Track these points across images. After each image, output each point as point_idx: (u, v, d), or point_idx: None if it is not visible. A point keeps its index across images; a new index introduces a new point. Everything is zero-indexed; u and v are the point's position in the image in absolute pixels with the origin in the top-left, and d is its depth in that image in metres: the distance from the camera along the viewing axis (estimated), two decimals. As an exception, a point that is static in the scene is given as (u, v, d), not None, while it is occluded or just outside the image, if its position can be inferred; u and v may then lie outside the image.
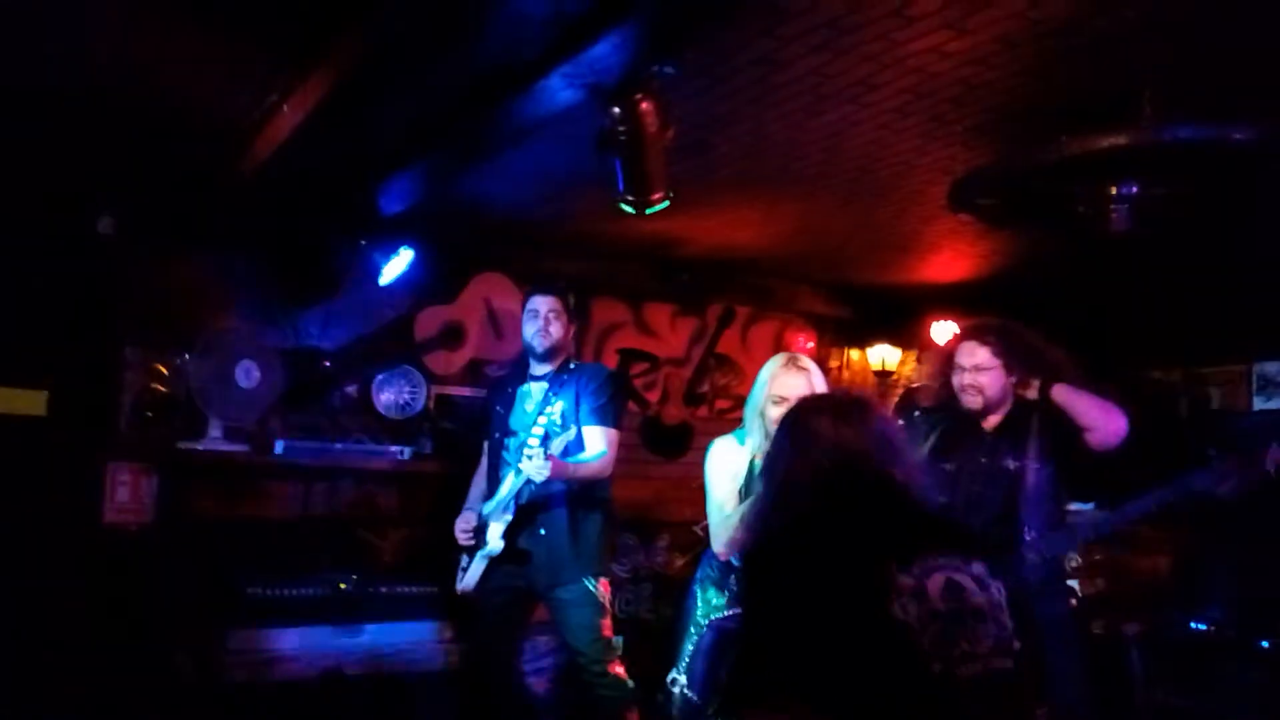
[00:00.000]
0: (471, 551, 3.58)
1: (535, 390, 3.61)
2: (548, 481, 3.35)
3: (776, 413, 2.90)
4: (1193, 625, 4.35)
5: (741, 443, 3.12)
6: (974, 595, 1.65)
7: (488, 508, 3.55)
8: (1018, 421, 3.07)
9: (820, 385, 3.02)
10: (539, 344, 3.58)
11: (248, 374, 4.20)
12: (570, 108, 2.62)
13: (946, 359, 3.19)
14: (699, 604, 3.11)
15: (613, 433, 3.51)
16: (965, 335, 3.19)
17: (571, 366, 3.64)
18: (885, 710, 1.57)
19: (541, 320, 3.56)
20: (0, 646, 3.73)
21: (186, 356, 4.16)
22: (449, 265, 4.81)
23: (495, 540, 3.48)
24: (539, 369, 3.63)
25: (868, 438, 1.86)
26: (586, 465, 3.45)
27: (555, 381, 3.57)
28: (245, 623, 3.76)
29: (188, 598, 4.06)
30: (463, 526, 3.60)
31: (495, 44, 2.42)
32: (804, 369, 3.02)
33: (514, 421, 3.62)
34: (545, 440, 3.40)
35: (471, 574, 3.56)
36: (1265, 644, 4.07)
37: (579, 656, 3.50)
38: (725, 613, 3.04)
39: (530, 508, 3.50)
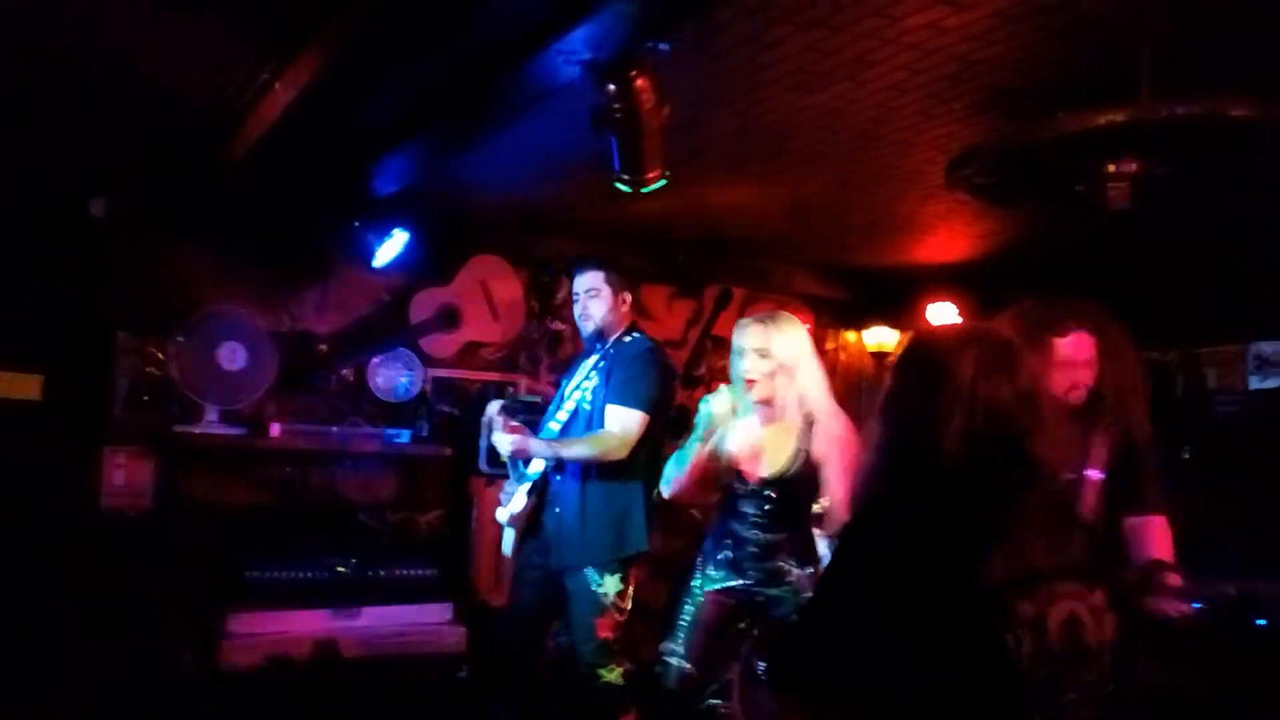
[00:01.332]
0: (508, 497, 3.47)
1: (587, 364, 3.44)
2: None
3: (738, 365, 2.94)
4: (1194, 605, 4.35)
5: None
6: (1089, 633, 1.40)
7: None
8: (1080, 422, 2.55)
9: (788, 343, 2.91)
10: (583, 328, 3.45)
11: (232, 356, 4.18)
12: (565, 85, 2.60)
13: (1040, 353, 2.43)
14: (697, 577, 3.09)
15: (630, 413, 3.23)
16: (1070, 325, 2.54)
17: (626, 340, 3.41)
18: None
19: (581, 303, 3.42)
20: (-3, 632, 3.73)
21: (180, 340, 4.15)
22: (444, 247, 4.79)
23: (515, 509, 3.39)
24: (595, 342, 3.45)
25: (1017, 396, 1.41)
26: (575, 446, 3.26)
27: (603, 355, 3.39)
28: (244, 606, 3.77)
29: (186, 581, 4.07)
30: (503, 501, 3.48)
31: (489, 20, 2.40)
32: (766, 322, 2.95)
33: (562, 391, 3.51)
34: (575, 414, 3.32)
35: (505, 542, 3.45)
36: (1261, 623, 4.08)
37: (575, 652, 3.39)
38: (721, 585, 3.02)
39: (552, 483, 3.38)
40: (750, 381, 2.90)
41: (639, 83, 2.45)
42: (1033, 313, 2.55)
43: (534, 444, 3.30)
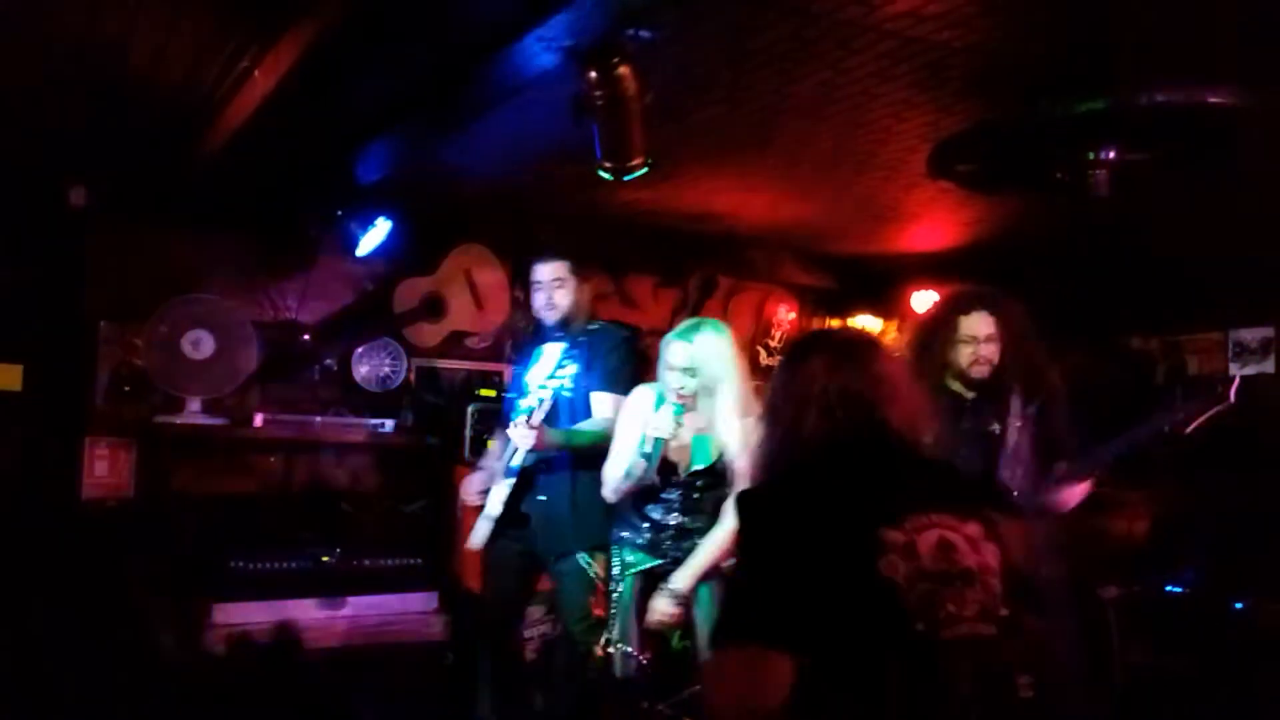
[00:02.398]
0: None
1: (551, 351, 3.45)
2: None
3: (667, 380, 3.04)
4: (1168, 588, 4.41)
5: (659, 401, 3.11)
6: (965, 557, 1.60)
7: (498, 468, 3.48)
8: (997, 383, 3.03)
9: (711, 361, 3.02)
10: (547, 317, 3.46)
11: (197, 345, 4.14)
12: (547, 72, 2.59)
13: (945, 329, 3.04)
14: (615, 564, 3.21)
15: (622, 399, 3.30)
16: (971, 304, 3.03)
17: (592, 328, 3.48)
18: (865, 665, 1.54)
19: (546, 291, 3.43)
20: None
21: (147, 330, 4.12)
22: (428, 236, 4.77)
23: (494, 504, 3.40)
24: (558, 331, 3.49)
25: (866, 379, 1.75)
26: (582, 433, 3.32)
27: (573, 343, 3.42)
28: (228, 596, 3.76)
29: (169, 571, 4.06)
30: (475, 486, 3.52)
31: (470, 6, 2.39)
32: (689, 339, 3.04)
33: (526, 381, 3.49)
34: (558, 403, 3.32)
35: (476, 533, 3.47)
36: (1239, 605, 4.13)
37: (570, 634, 3.43)
38: (642, 567, 3.16)
39: (533, 472, 3.39)
40: (681, 397, 3.04)
41: (621, 70, 2.45)
42: (948, 297, 3.19)
43: (550, 434, 3.27)
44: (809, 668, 1.53)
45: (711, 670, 2.08)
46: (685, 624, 3.08)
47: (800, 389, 1.77)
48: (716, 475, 3.10)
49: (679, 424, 3.03)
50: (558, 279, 3.43)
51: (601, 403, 3.36)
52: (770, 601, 1.57)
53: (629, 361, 3.46)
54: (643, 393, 3.17)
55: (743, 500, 1.74)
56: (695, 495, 3.13)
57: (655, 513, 3.16)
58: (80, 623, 3.84)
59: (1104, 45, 2.72)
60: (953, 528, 1.62)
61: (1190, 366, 5.25)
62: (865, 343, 1.88)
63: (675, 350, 3.04)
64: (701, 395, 3.06)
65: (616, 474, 3.10)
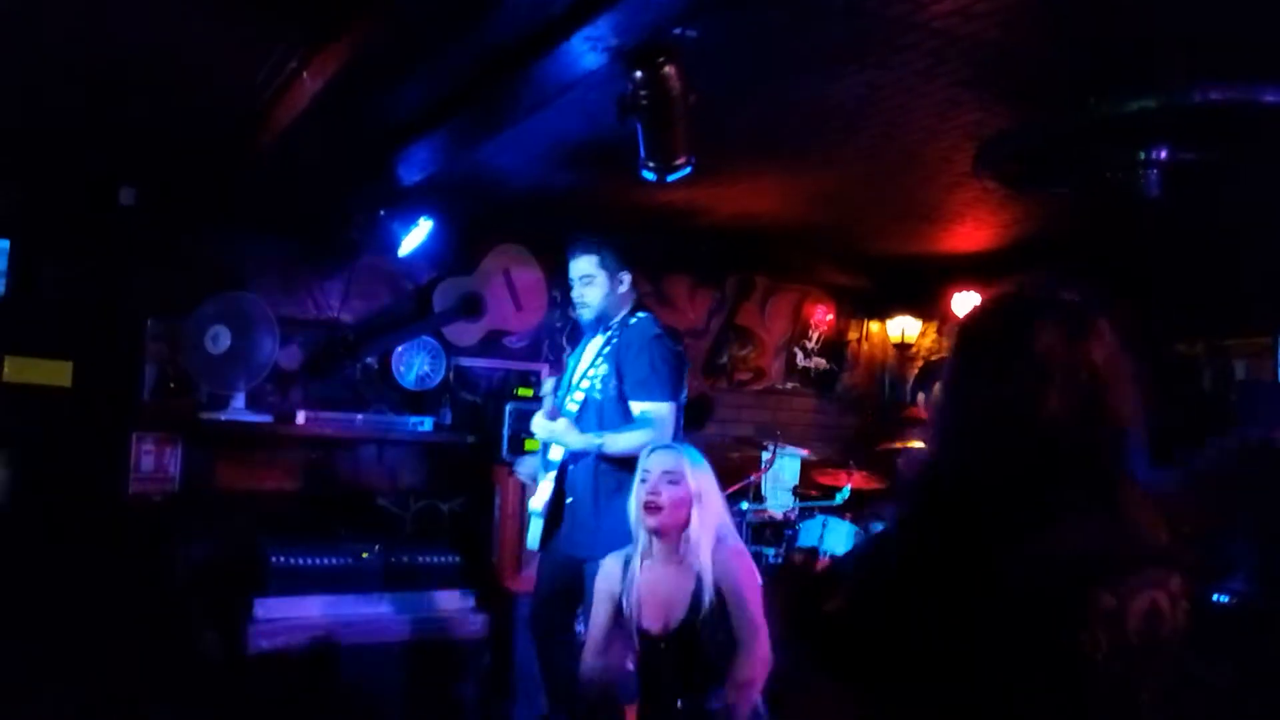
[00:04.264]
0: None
1: (592, 347, 3.38)
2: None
3: (640, 491, 2.74)
4: (1215, 597, 4.32)
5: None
6: (1167, 623, 1.21)
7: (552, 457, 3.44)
8: None
9: (695, 482, 2.74)
10: (581, 316, 3.39)
11: (215, 340, 4.19)
12: (592, 73, 2.59)
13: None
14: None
15: (660, 406, 3.16)
16: None
17: (632, 322, 3.32)
18: None
19: (576, 288, 3.35)
20: (25, 616, 3.78)
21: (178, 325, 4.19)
22: (467, 236, 4.81)
23: (538, 501, 3.39)
24: (596, 328, 3.39)
25: (1112, 364, 1.28)
26: (616, 440, 3.16)
27: (608, 340, 3.31)
28: (270, 591, 3.80)
29: (212, 567, 4.12)
30: (525, 469, 3.50)
31: (517, 7, 2.40)
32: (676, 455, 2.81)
33: (569, 377, 3.45)
34: (587, 403, 3.26)
35: (531, 533, 3.44)
36: (1223, 599, 4.03)
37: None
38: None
39: (568, 472, 3.35)
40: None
41: (667, 69, 2.45)
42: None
43: (574, 437, 3.21)
44: None
45: None
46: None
47: (1033, 359, 1.27)
48: None
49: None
50: (586, 275, 3.32)
51: (644, 411, 3.19)
52: (919, 652, 1.20)
53: (664, 363, 3.22)
54: (613, 560, 2.90)
55: (918, 497, 1.33)
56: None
57: None
58: (125, 615, 3.91)
59: (1155, 42, 2.68)
60: (1162, 585, 1.22)
61: (1238, 372, 5.15)
62: (1096, 311, 1.36)
63: (659, 456, 2.81)
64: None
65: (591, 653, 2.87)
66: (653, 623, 2.70)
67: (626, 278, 3.36)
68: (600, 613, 2.82)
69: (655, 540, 2.75)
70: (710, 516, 2.72)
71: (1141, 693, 1.18)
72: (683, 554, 2.70)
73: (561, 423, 3.25)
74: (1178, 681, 1.24)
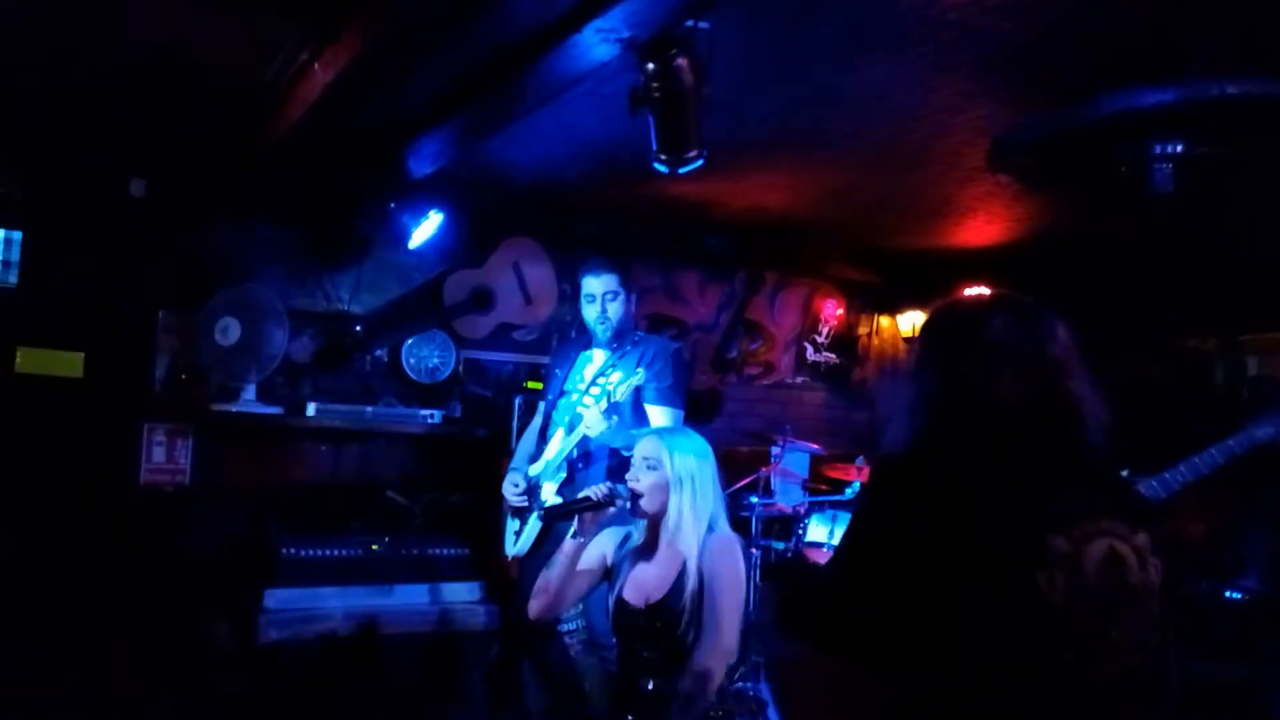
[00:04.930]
0: (522, 514, 3.52)
1: (597, 356, 3.54)
2: (595, 449, 3.34)
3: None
4: (1227, 594, 4.31)
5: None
6: (1131, 573, 1.34)
7: (535, 469, 3.52)
8: None
9: (675, 468, 2.69)
10: (602, 331, 3.48)
11: (225, 332, 4.20)
12: (603, 65, 2.59)
13: None
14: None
15: (679, 413, 3.41)
16: None
17: (636, 339, 3.55)
18: (993, 695, 1.28)
19: (599, 304, 3.46)
20: (37, 605, 3.80)
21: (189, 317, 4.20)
22: (478, 229, 4.81)
23: (551, 497, 3.43)
24: (608, 342, 3.54)
25: (1056, 348, 1.46)
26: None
27: (618, 352, 3.49)
28: (280, 582, 3.81)
29: (223, 557, 4.13)
30: (513, 489, 3.52)
31: (528, -1, 2.39)
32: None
33: (569, 384, 3.55)
34: (607, 410, 3.32)
35: (527, 536, 3.50)
36: (1236, 596, 4.02)
37: (591, 628, 3.43)
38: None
39: (576, 474, 3.43)
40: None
41: (679, 61, 2.43)
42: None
43: (619, 434, 3.30)
44: (920, 687, 1.32)
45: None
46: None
47: (990, 344, 1.46)
48: None
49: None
50: (611, 291, 3.46)
51: (658, 417, 3.37)
52: (884, 599, 1.34)
53: (684, 375, 3.52)
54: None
55: (884, 466, 1.47)
56: None
57: None
58: (136, 606, 3.93)
59: (1170, 36, 2.65)
60: (1124, 537, 1.35)
61: (1250, 368, 5.12)
62: (1045, 308, 1.55)
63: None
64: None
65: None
66: (633, 596, 2.72)
67: (635, 296, 3.60)
68: (577, 561, 2.74)
69: (642, 524, 2.76)
70: (698, 503, 2.69)
71: (1110, 632, 1.28)
72: (665, 540, 2.69)
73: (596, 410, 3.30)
74: (1165, 642, 1.35)
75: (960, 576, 1.30)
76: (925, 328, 1.61)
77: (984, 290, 1.56)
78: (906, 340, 6.20)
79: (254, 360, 4.24)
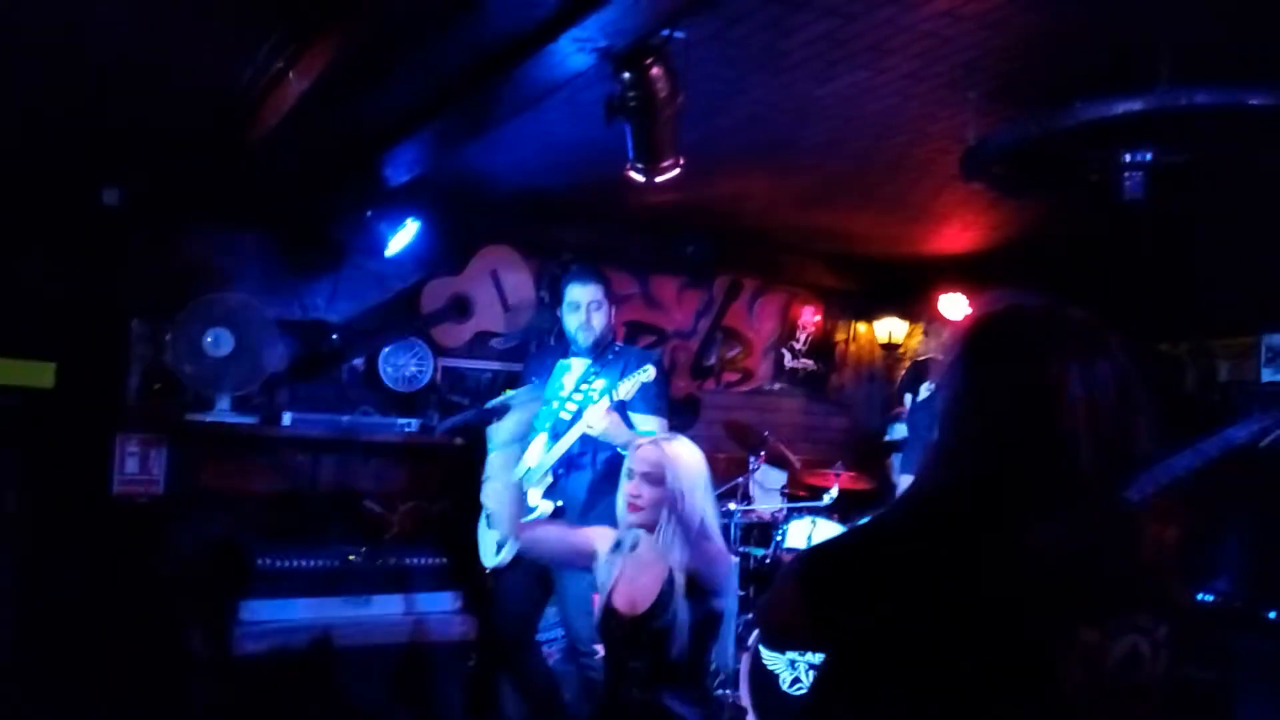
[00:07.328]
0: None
1: (576, 365, 3.58)
2: (578, 455, 3.37)
3: (625, 488, 2.70)
4: (1199, 596, 4.35)
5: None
6: (1145, 670, 1.19)
7: (516, 474, 3.50)
8: None
9: (678, 481, 2.66)
10: (584, 338, 3.53)
11: (217, 343, 4.17)
12: (579, 74, 2.59)
13: None
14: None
15: (664, 421, 3.50)
16: None
17: (616, 349, 3.60)
18: None
19: (584, 313, 3.51)
20: (10, 617, 3.75)
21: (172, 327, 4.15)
22: (455, 237, 4.79)
23: (539, 502, 3.44)
24: (588, 351, 3.58)
25: (1112, 391, 1.23)
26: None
27: (599, 360, 3.54)
28: (255, 593, 3.78)
29: (198, 568, 4.09)
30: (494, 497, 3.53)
31: (505, 7, 2.39)
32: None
33: (549, 392, 3.57)
34: (578, 415, 3.39)
35: (509, 549, 3.49)
36: (1272, 615, 4.07)
37: (571, 635, 3.45)
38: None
39: (557, 479, 3.47)
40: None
41: (654, 71, 2.44)
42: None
43: (621, 432, 3.32)
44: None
45: None
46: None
47: (1046, 383, 1.22)
48: None
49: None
50: (595, 301, 3.51)
51: (647, 425, 3.43)
52: (881, 658, 1.22)
53: (664, 384, 3.58)
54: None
55: (925, 499, 1.29)
56: None
57: None
58: (110, 618, 3.88)
59: (1142, 45, 2.69)
60: (1148, 632, 1.20)
61: (1221, 373, 5.18)
62: (1105, 332, 1.31)
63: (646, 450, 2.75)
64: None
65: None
66: (621, 603, 2.69)
67: (615, 305, 3.66)
68: (564, 541, 2.83)
69: (638, 534, 2.73)
70: (692, 514, 2.67)
71: None
72: (657, 550, 2.66)
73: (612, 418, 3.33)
74: None
75: (982, 626, 1.16)
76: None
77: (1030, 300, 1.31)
78: (884, 347, 6.24)
79: (249, 371, 4.21)
